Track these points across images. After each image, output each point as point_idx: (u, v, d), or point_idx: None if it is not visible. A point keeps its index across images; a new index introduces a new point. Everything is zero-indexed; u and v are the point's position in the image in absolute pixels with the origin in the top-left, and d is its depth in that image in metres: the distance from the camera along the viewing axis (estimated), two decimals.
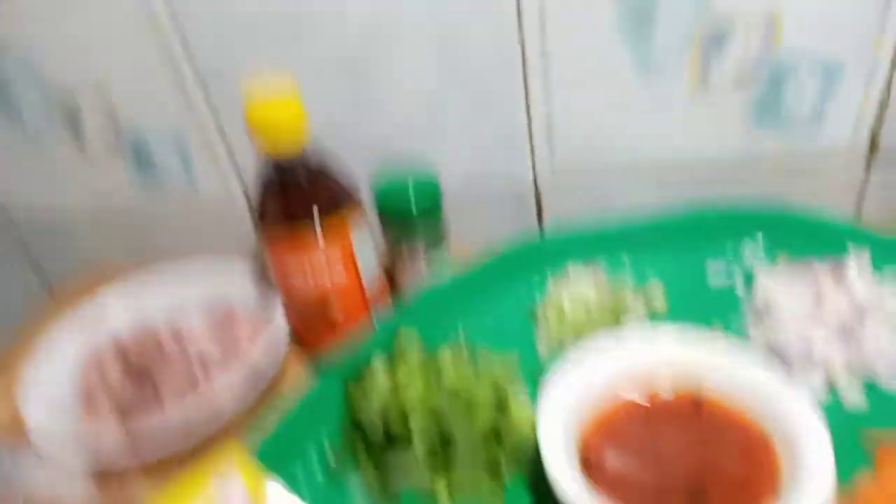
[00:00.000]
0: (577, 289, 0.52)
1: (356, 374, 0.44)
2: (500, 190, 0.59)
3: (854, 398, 0.42)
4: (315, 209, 0.44)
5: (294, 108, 0.42)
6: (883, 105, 0.51)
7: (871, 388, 0.43)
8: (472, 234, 0.55)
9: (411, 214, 0.49)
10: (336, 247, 0.45)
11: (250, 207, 0.62)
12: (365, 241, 0.47)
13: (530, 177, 0.58)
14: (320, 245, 0.44)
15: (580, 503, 0.32)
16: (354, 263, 0.47)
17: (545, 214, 0.60)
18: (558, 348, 0.48)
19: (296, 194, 0.44)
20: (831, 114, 0.52)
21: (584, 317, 0.50)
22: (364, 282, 0.48)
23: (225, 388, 0.46)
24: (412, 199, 0.49)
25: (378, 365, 0.44)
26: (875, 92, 0.51)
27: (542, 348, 0.49)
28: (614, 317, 0.49)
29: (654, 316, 0.50)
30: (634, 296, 0.51)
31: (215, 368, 0.48)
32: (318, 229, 0.44)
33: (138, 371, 0.48)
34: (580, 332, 0.49)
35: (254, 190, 0.46)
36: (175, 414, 0.43)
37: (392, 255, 0.52)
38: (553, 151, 0.56)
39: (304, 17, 0.51)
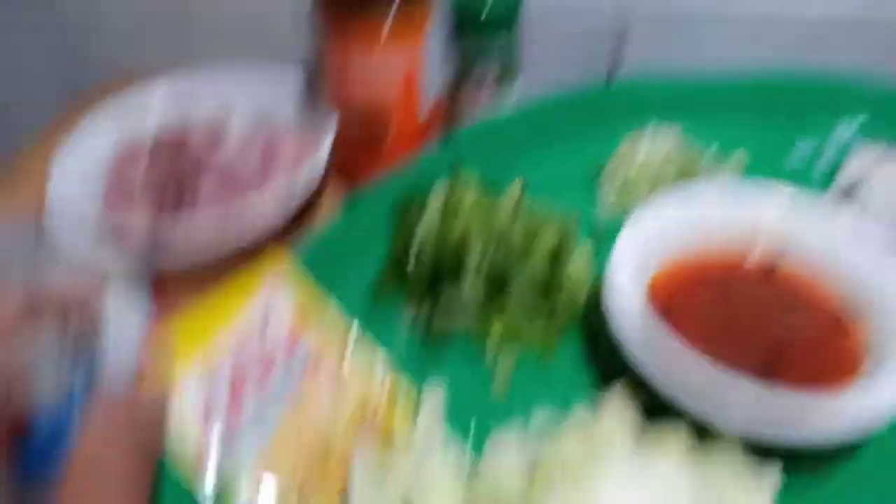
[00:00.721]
0: (650, 150, 0.47)
1: (407, 202, 0.41)
2: (580, 27, 0.52)
3: None
4: None
5: None
6: None
7: None
8: (544, 75, 0.49)
9: (488, 17, 0.43)
10: (406, 41, 0.40)
11: None
12: (435, 50, 0.42)
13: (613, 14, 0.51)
14: (390, 27, 0.39)
15: (643, 350, 0.30)
16: (420, 68, 0.42)
17: (625, 61, 0.54)
18: (622, 205, 0.45)
19: None
20: None
21: (654, 177, 0.46)
22: (423, 98, 0.43)
23: (261, 200, 0.43)
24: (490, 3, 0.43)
25: (433, 193, 0.40)
26: None
27: (605, 204, 0.45)
28: (688, 178, 0.45)
29: None
30: (711, 163, 0.47)
31: (252, 182, 0.45)
32: (391, 16, 0.39)
33: (173, 171, 0.44)
34: (648, 192, 0.45)
35: None
36: (208, 218, 0.41)
37: (458, 83, 0.47)
38: None
39: None
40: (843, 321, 0.34)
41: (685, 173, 0.45)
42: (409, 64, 0.41)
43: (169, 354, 0.31)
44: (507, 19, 0.44)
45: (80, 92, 0.61)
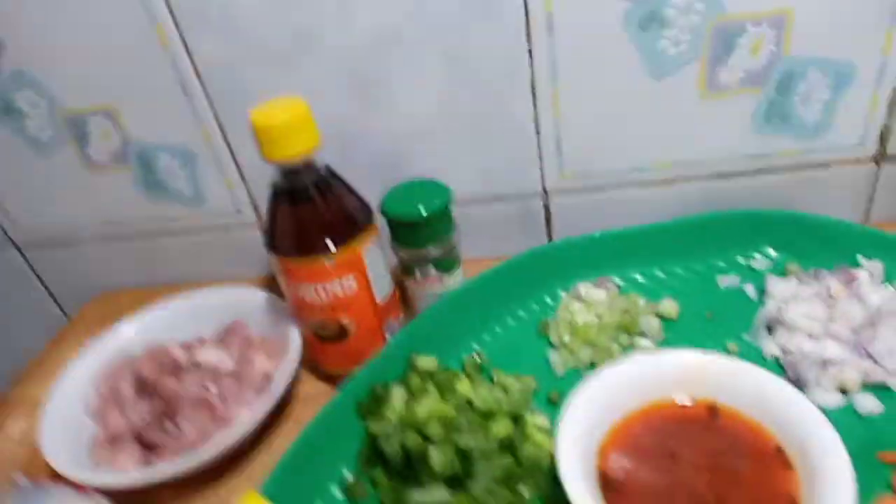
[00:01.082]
0: (588, 303, 0.52)
1: (372, 395, 0.45)
2: (510, 204, 0.59)
3: (868, 406, 0.42)
4: (326, 222, 0.44)
5: (298, 109, 0.41)
6: (892, 107, 0.51)
7: (886, 396, 0.43)
8: (482, 253, 0.55)
9: (421, 217, 0.48)
10: (349, 265, 0.45)
11: (261, 225, 0.62)
12: (377, 260, 0.47)
13: (539, 188, 0.58)
14: (333, 262, 0.44)
15: None
16: (367, 282, 0.47)
17: (554, 229, 0.60)
18: (572, 364, 0.48)
19: (307, 206, 0.44)
20: (841, 117, 0.52)
21: (597, 332, 0.50)
22: (376, 299, 0.48)
23: (242, 413, 0.47)
24: (421, 202, 0.48)
25: (393, 385, 0.44)
26: (884, 94, 0.50)
27: (555, 364, 0.49)
28: (626, 331, 0.50)
29: (667, 327, 0.50)
30: (646, 309, 0.51)
31: (231, 393, 0.48)
32: (331, 245, 0.44)
33: (154, 393, 0.48)
34: (593, 346, 0.49)
35: (265, 207, 0.46)
36: (192, 438, 0.44)
37: (405, 277, 0.52)
38: (562, 160, 0.56)
39: (312, 30, 0.51)
40: (777, 460, 0.37)
41: (624, 326, 0.50)
42: (357, 280, 0.46)
43: None
44: (439, 212, 0.48)
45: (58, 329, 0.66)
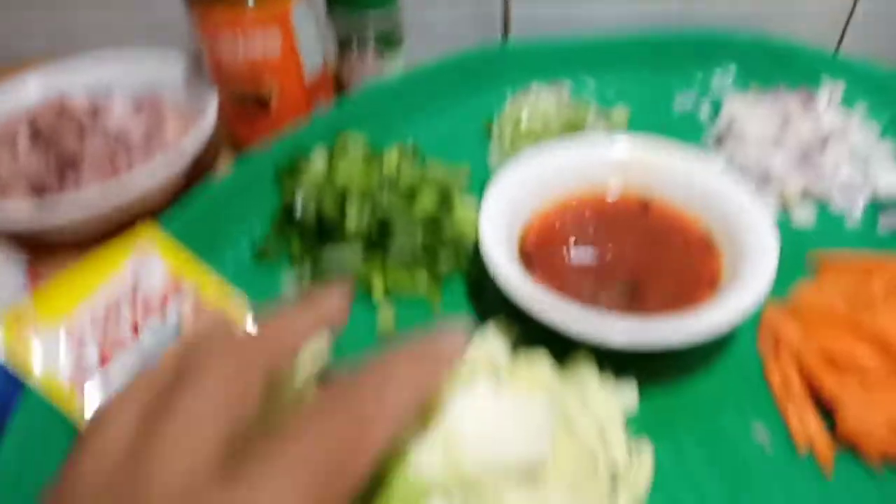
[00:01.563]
0: (536, 105, 0.49)
1: (291, 163, 0.41)
2: (466, 6, 0.54)
3: (804, 217, 0.41)
4: None
5: None
6: None
7: (822, 211, 0.42)
8: (431, 44, 0.50)
9: None
10: (273, 17, 0.40)
11: None
12: (307, 23, 0.43)
13: None
14: (253, 10, 0.40)
15: (517, 290, 0.31)
16: (293, 42, 0.42)
17: (511, 27, 0.56)
18: (511, 160, 0.46)
19: None
20: None
21: (541, 131, 0.47)
22: (304, 68, 0.43)
23: (147, 171, 0.43)
24: None
25: (316, 153, 0.41)
26: None
27: (493, 159, 0.46)
28: (572, 134, 0.47)
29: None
30: (596, 116, 0.48)
31: (138, 152, 0.44)
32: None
33: (54, 147, 0.43)
34: (535, 143, 0.46)
35: None
36: (92, 192, 0.40)
37: (341, 52, 0.48)
38: None
39: None
40: (704, 248, 0.36)
41: (571, 128, 0.47)
42: (282, 37, 0.41)
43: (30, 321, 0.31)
44: None
45: None
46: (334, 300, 0.24)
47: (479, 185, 0.44)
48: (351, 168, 0.40)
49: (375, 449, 0.19)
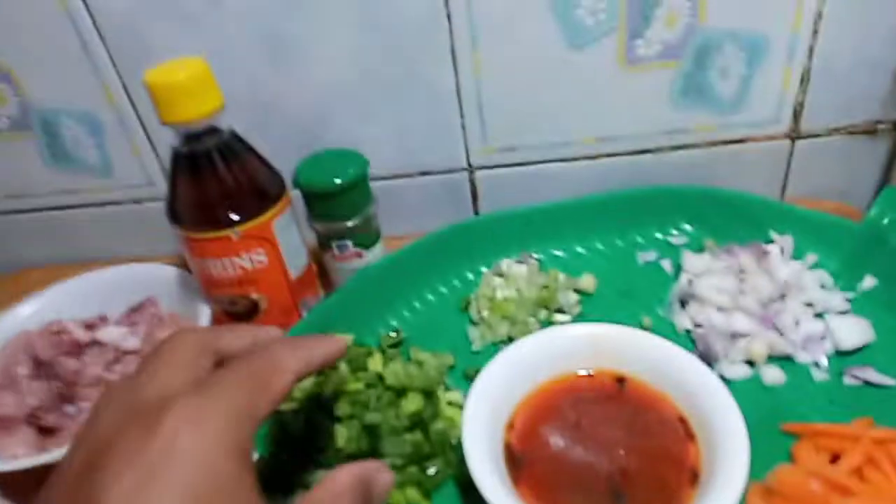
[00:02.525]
0: (508, 278, 0.51)
1: None
2: (434, 179, 0.58)
3: (773, 376, 0.43)
4: (231, 192, 0.42)
5: (197, 67, 0.39)
6: (805, 84, 0.52)
7: (790, 367, 0.44)
8: (409, 230, 0.54)
9: (335, 187, 0.46)
10: (258, 238, 0.43)
11: None
12: (290, 233, 0.46)
13: (464, 161, 0.57)
14: (239, 235, 0.43)
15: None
16: (278, 255, 0.45)
17: (481, 204, 0.59)
18: (490, 339, 0.48)
19: (209, 174, 0.42)
20: (756, 92, 0.52)
21: (515, 307, 0.49)
22: (290, 273, 0.46)
23: None
24: (336, 172, 0.46)
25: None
26: (797, 71, 0.51)
27: (473, 340, 0.48)
28: (545, 305, 0.49)
29: (584, 302, 0.50)
30: (565, 284, 0.51)
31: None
32: (235, 217, 0.42)
33: (52, 374, 0.45)
34: (513, 321, 0.49)
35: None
36: None
37: (322, 252, 0.51)
38: (486, 132, 0.55)
39: None
40: (682, 431, 0.37)
41: (543, 299, 0.49)
42: (267, 253, 0.44)
43: None
44: (355, 180, 0.47)
45: None
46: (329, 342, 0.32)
47: (462, 364, 0.46)
48: (335, 370, 0.42)
49: (286, 379, 0.27)
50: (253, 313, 0.47)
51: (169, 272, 0.52)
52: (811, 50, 0.50)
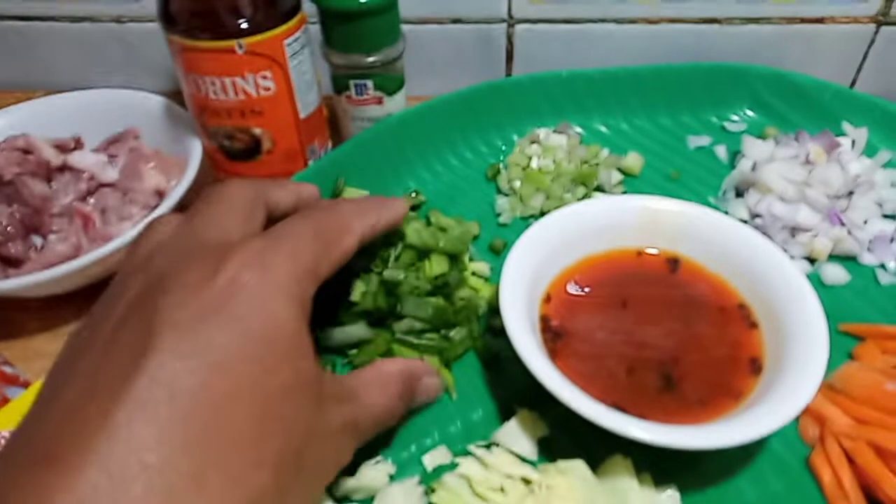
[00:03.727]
0: (546, 147, 0.45)
1: None
2: (468, 29, 0.50)
3: (835, 275, 0.39)
4: (238, 6, 0.35)
5: None
6: None
7: (853, 267, 0.39)
8: (432, 90, 0.46)
9: (359, 6, 0.39)
10: (267, 56, 0.36)
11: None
12: (303, 61, 0.39)
13: (504, 11, 0.49)
14: (246, 49, 0.36)
15: (545, 375, 0.28)
16: (289, 84, 0.38)
17: (515, 66, 0.52)
18: (520, 212, 0.43)
19: None
20: None
21: (552, 179, 0.44)
22: (299, 110, 0.40)
23: (123, 231, 0.39)
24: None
25: None
26: None
27: (502, 211, 0.43)
28: (584, 182, 0.44)
29: (627, 184, 0.45)
30: (608, 161, 0.45)
31: (113, 208, 0.40)
32: (244, 24, 0.35)
33: (17, 198, 0.39)
34: (545, 194, 0.43)
35: None
36: (62, 252, 0.36)
37: (337, 97, 0.44)
38: None
39: None
40: (743, 319, 0.33)
41: (582, 174, 0.44)
42: (275, 77, 0.37)
43: None
44: (380, 16, 0.40)
45: None
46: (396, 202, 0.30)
47: (487, 236, 0.41)
48: None
49: (351, 241, 0.26)
50: (254, 153, 0.40)
51: (155, 102, 0.45)
52: None
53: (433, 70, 0.51)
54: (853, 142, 0.44)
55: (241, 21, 0.35)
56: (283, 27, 0.36)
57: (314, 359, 0.23)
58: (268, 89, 0.38)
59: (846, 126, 0.45)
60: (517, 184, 0.44)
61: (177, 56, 0.37)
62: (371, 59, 0.41)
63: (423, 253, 0.36)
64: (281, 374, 0.21)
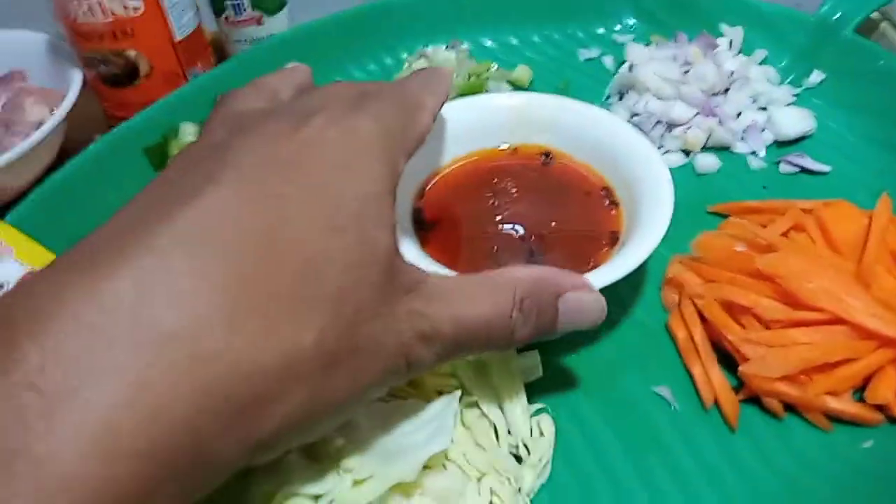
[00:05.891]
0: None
1: (159, 140, 0.38)
2: None
3: (707, 164, 0.40)
4: None
5: None
6: None
7: (726, 157, 0.41)
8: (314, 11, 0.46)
9: None
10: None
11: None
12: None
13: None
14: None
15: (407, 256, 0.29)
16: (159, 5, 0.38)
17: None
18: None
19: None
20: None
21: None
22: (172, 29, 0.39)
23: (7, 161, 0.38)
24: None
25: (187, 128, 0.37)
26: None
27: None
28: (473, 94, 0.44)
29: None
30: (498, 75, 0.46)
31: None
32: None
33: None
34: None
35: None
36: None
37: (216, 14, 0.44)
38: None
39: None
40: (607, 202, 0.34)
41: (472, 88, 0.44)
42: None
43: None
44: None
45: None
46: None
47: None
48: None
49: (429, 117, 0.24)
50: (132, 77, 0.40)
51: (41, 40, 0.44)
52: None
53: None
54: (730, 42, 0.46)
55: None
56: None
57: (392, 234, 0.20)
58: (136, 9, 0.37)
59: (724, 27, 0.46)
60: None
61: None
62: None
63: None
64: (347, 237, 0.19)
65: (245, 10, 0.42)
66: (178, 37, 0.40)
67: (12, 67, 0.45)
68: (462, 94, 0.44)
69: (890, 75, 0.41)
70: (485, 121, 0.37)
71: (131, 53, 0.39)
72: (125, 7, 0.37)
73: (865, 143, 0.41)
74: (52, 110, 0.42)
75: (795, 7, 0.51)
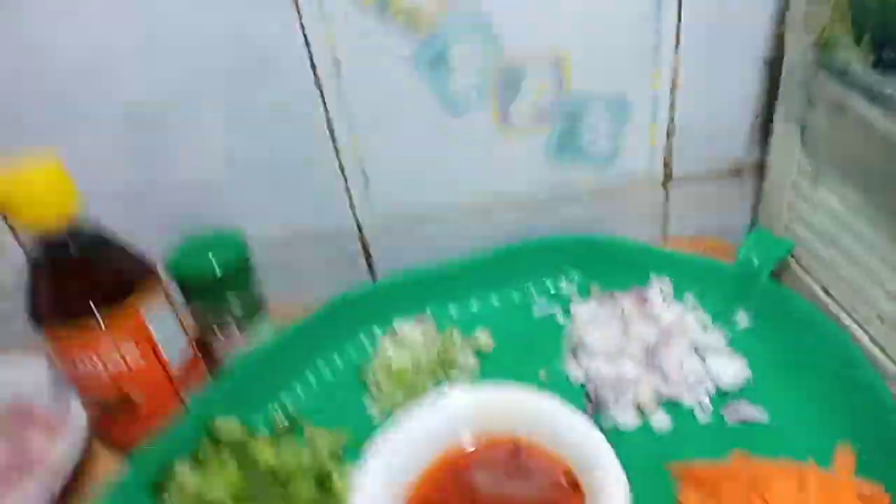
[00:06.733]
0: (403, 344, 0.51)
1: (164, 472, 0.41)
2: (326, 247, 0.57)
3: (661, 421, 0.44)
4: (93, 293, 0.40)
5: (49, 175, 0.38)
6: (670, 134, 0.55)
7: (677, 411, 0.45)
8: (308, 298, 0.52)
9: (214, 277, 0.45)
10: (127, 331, 0.41)
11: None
12: (167, 323, 0.44)
13: (353, 227, 0.57)
14: (105, 333, 0.40)
15: None
16: (153, 346, 0.43)
17: (377, 265, 0.59)
18: (390, 409, 0.47)
19: (69, 276, 0.40)
20: (626, 146, 0.55)
21: (414, 372, 0.49)
22: (168, 364, 0.44)
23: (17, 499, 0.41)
24: (213, 260, 0.46)
25: (181, 469, 0.40)
26: (661, 124, 0.54)
27: (373, 411, 0.48)
28: (444, 368, 0.49)
29: (482, 359, 0.50)
30: (463, 345, 0.51)
31: (4, 475, 0.43)
32: (100, 316, 0.40)
33: None
34: (411, 388, 0.48)
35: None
36: None
37: (205, 333, 0.49)
38: (371, 199, 0.55)
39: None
40: (570, 486, 0.38)
41: (441, 362, 0.49)
42: (140, 348, 0.42)
43: None
44: (235, 268, 0.46)
45: None
46: None
47: (362, 438, 0.45)
48: (222, 468, 0.40)
49: None
50: (130, 411, 0.44)
51: (42, 368, 0.49)
52: (672, 107, 0.53)
53: (301, 280, 0.57)
54: (661, 290, 0.51)
55: (95, 303, 0.40)
56: (138, 301, 0.42)
57: None
58: (135, 358, 0.42)
59: (652, 277, 0.52)
60: (383, 383, 0.49)
61: (48, 343, 0.41)
62: (229, 307, 0.47)
63: (289, 477, 0.40)
64: None
65: (231, 331, 0.47)
66: (174, 368, 0.45)
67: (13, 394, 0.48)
68: (434, 369, 0.49)
69: (802, 319, 0.46)
70: (452, 418, 0.41)
71: (130, 391, 0.43)
72: (124, 359, 0.42)
73: (796, 388, 0.44)
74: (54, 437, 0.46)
75: (719, 236, 0.58)
